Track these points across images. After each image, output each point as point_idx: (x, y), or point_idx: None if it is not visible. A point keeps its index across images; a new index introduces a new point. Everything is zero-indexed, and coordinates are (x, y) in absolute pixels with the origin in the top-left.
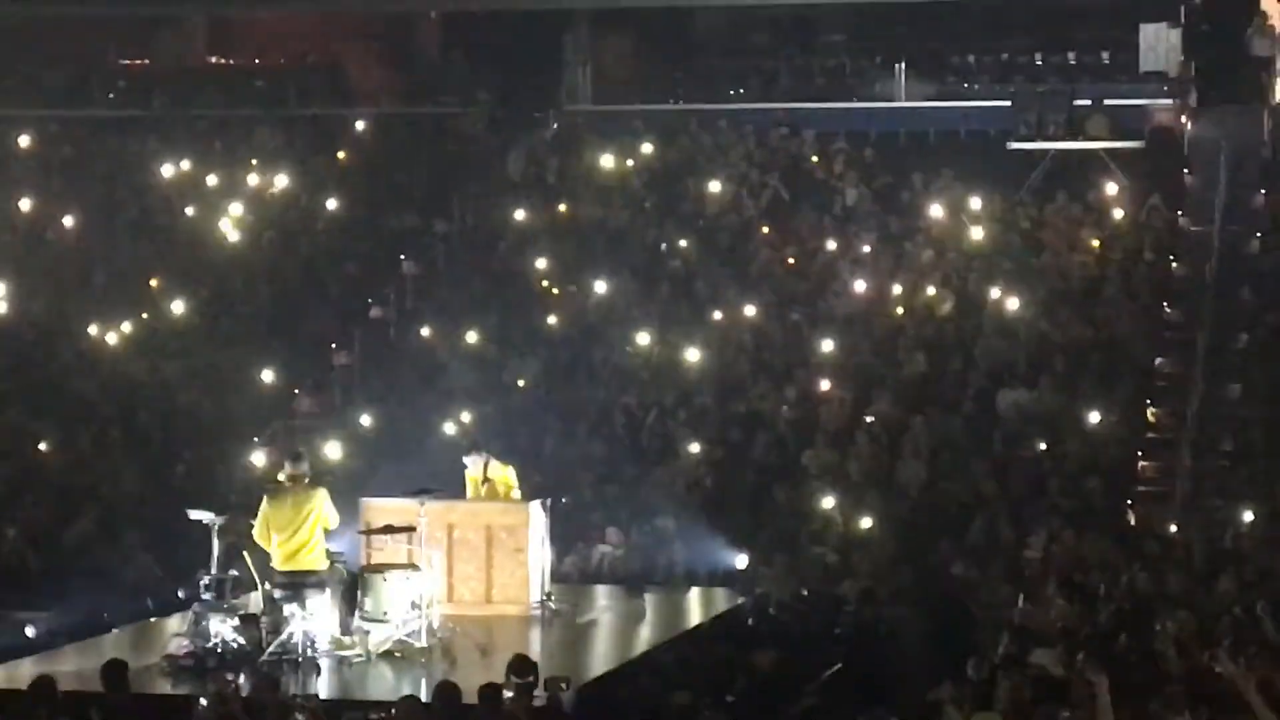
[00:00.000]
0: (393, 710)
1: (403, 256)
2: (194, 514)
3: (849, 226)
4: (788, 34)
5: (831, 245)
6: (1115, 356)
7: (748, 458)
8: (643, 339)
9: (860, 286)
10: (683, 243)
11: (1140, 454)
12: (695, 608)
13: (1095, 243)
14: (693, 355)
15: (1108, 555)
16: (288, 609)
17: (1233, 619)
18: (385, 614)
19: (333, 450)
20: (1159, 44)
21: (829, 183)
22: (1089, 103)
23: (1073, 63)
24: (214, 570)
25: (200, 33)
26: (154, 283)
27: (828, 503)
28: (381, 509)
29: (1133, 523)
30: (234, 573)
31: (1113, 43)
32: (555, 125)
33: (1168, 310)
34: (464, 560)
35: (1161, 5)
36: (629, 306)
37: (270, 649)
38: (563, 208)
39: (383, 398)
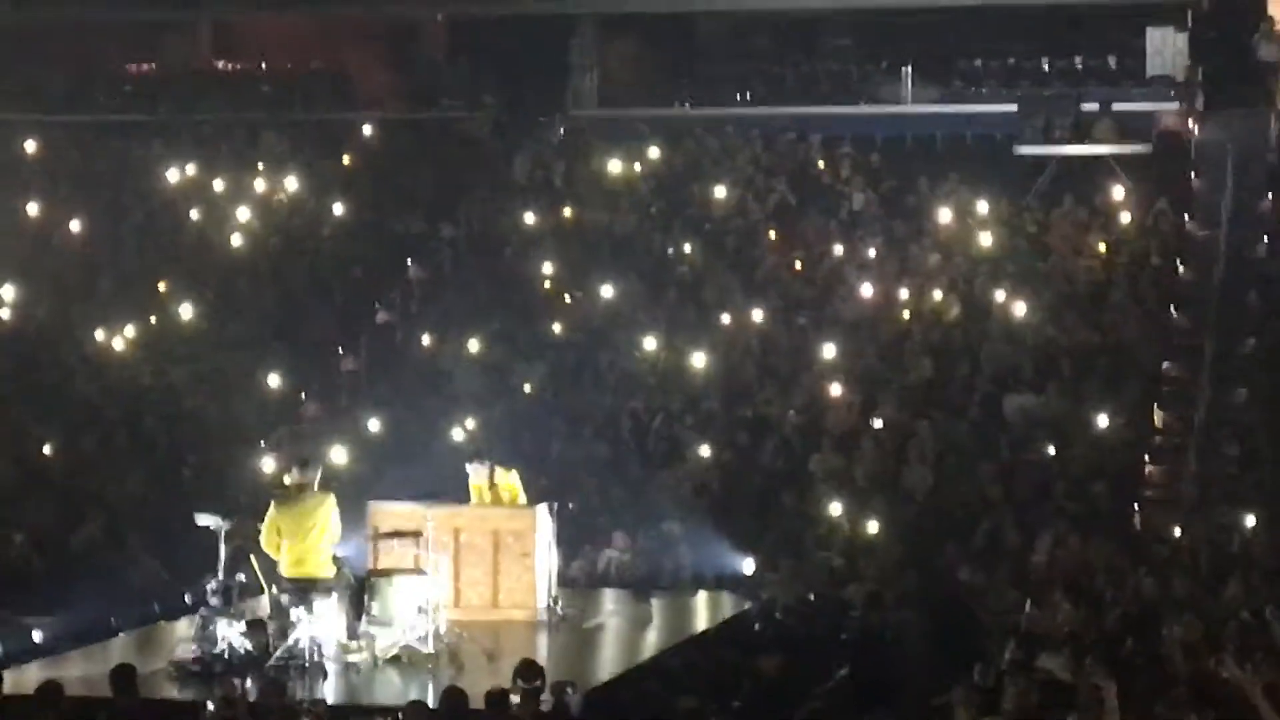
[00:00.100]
0: (399, 715)
1: (409, 261)
2: (200, 519)
3: (855, 231)
4: (793, 39)
5: (838, 250)
6: (1122, 361)
7: (754, 462)
8: (649, 343)
9: (867, 291)
10: (689, 247)
11: (1147, 459)
12: (702, 612)
13: (1102, 247)
14: (699, 360)
15: (1114, 560)
16: (294, 614)
17: (1239, 624)
18: (392, 619)
19: (339, 455)
20: (1166, 48)
21: (835, 187)
22: (1096, 107)
23: (1079, 67)
24: (221, 575)
25: (205, 37)
26: (160, 287)
27: (834, 507)
28: (388, 513)
29: (1139, 527)
30: (241, 578)
31: (1119, 47)
32: (561, 130)
33: (1174, 315)
34: (471, 565)
35: (1168, 10)
36: (635, 311)
37: (277, 654)
38: (569, 212)
39: (389, 402)
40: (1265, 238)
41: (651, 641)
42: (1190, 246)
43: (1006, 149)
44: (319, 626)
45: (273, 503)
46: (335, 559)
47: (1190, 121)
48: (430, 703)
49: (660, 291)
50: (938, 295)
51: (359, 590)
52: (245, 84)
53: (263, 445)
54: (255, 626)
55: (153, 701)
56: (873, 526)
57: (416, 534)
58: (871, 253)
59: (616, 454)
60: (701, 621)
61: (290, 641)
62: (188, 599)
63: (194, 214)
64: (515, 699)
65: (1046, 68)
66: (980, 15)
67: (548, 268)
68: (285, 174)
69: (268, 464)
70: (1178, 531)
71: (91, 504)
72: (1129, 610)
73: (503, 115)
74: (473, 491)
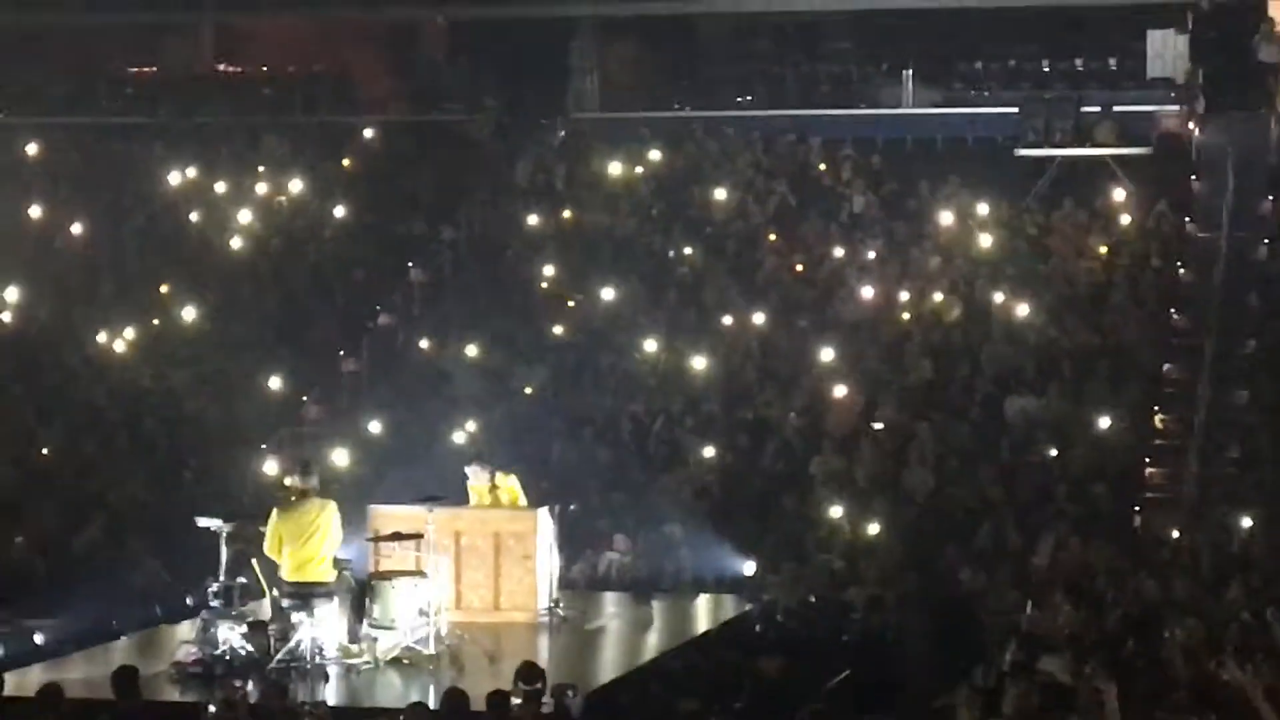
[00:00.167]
0: (401, 717)
1: (410, 264)
2: (202, 521)
3: (856, 233)
4: (794, 41)
5: (839, 252)
6: (1122, 363)
7: (755, 465)
8: (650, 346)
9: (867, 293)
10: (689, 250)
11: (1147, 460)
12: (703, 614)
13: (1102, 249)
14: (700, 362)
15: (1115, 562)
16: (296, 616)
17: (1240, 625)
18: (393, 621)
19: (340, 458)
20: (1166, 50)
21: (836, 189)
22: (1096, 109)
23: (1080, 69)
24: (222, 577)
25: (207, 40)
26: (161, 290)
27: (835, 510)
28: (389, 516)
29: (1140, 529)
30: (242, 580)
31: (1120, 49)
32: (562, 132)
33: (1175, 317)
34: (472, 567)
35: (1169, 11)
36: (636, 313)
37: (278, 656)
38: (570, 215)
39: (390, 405)
40: (1266, 239)
41: (652, 644)
42: (1191, 248)
43: (1007, 151)
44: (320, 629)
45: (275, 509)
46: (336, 562)
47: (1191, 123)
48: (432, 705)
49: (661, 294)
50: (938, 297)
51: (360, 593)
52: (246, 87)
53: (264, 448)
54: (256, 629)
55: (154, 704)
56: (874, 529)
57: (417, 537)
58: (872, 255)
59: (617, 456)
60: (702, 624)
61: (292, 644)
62: (189, 601)
63: (195, 216)
64: (516, 701)
65: (1047, 70)
66: (981, 18)
67: (549, 270)
68: (286, 176)
69: (269, 466)
70: (1179, 533)
71: (93, 506)
72: (1130, 612)
73: (503, 118)
74: (472, 494)
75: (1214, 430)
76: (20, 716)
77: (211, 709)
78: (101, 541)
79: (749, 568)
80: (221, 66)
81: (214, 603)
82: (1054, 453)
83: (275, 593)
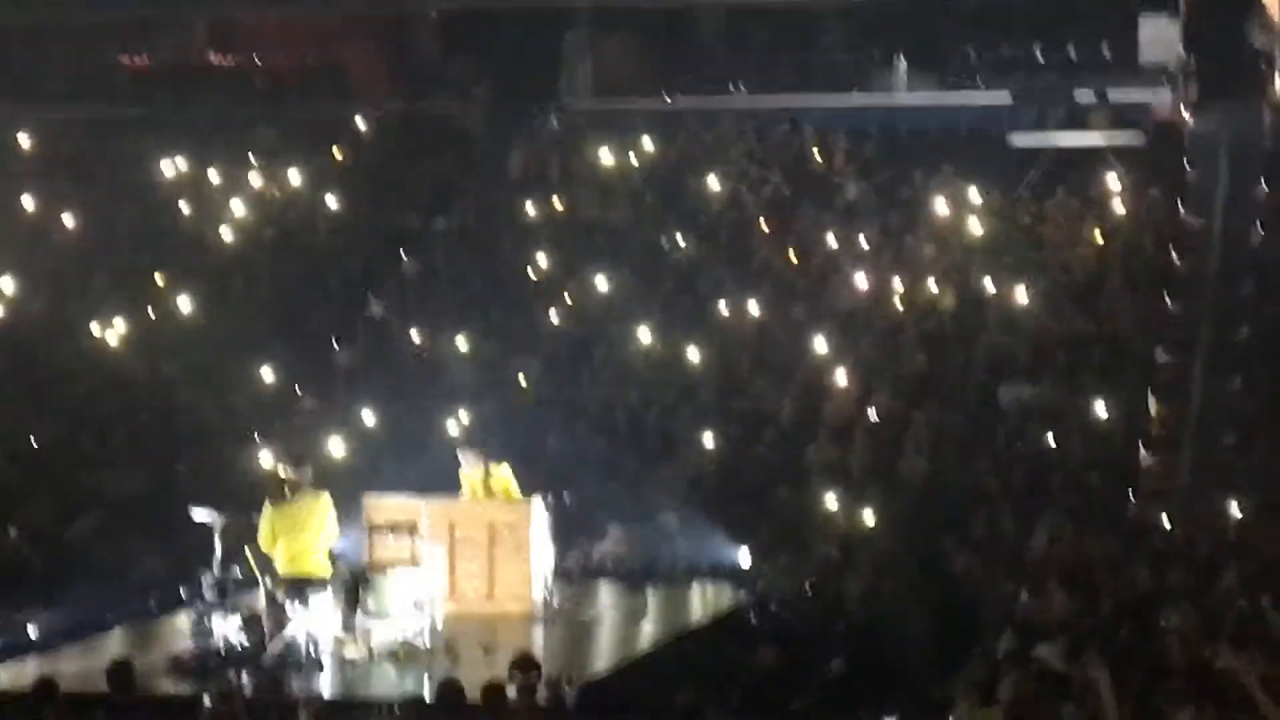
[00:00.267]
0: (396, 710)
1: (403, 255)
2: (196, 514)
3: (850, 222)
4: (787, 30)
5: (832, 241)
6: (1117, 351)
7: (750, 454)
8: (644, 336)
9: (861, 282)
10: (683, 239)
11: (1142, 448)
12: (698, 604)
13: (1096, 237)
14: (694, 352)
15: (1110, 550)
16: (290, 609)
17: (1236, 613)
18: (387, 613)
19: (334, 449)
20: (1159, 37)
21: (830, 178)
22: (1091, 97)
23: (1073, 57)
24: (216, 570)
25: (200, 32)
26: (155, 282)
27: (830, 499)
28: (383, 507)
29: (1135, 517)
30: (236, 573)
31: (1113, 37)
32: (555, 123)
33: (1169, 304)
34: (466, 558)
35: None
36: (630, 303)
37: (273, 649)
38: (563, 205)
39: (384, 396)
40: (1259, 226)
41: (648, 634)
42: (1185, 235)
43: (1000, 139)
44: (315, 621)
45: (268, 502)
46: (330, 554)
47: (1184, 111)
48: (426, 697)
49: (655, 284)
50: (932, 286)
51: (355, 584)
52: (239, 78)
53: (258, 440)
54: (251, 622)
55: (149, 697)
56: (869, 518)
57: (412, 527)
58: (866, 244)
59: (612, 447)
60: (698, 614)
61: (286, 636)
62: (183, 594)
63: (188, 208)
64: (511, 692)
65: (1040, 58)
66: (973, 6)
67: (542, 261)
68: (279, 168)
69: (263, 459)
70: (1173, 521)
71: (87, 499)
72: (1125, 600)
73: (496, 108)
74: (465, 485)
75: (1208, 418)
76: (15, 710)
77: (206, 702)
78: (95, 534)
79: (744, 557)
80: (214, 58)
81: (208, 595)
82: (1048, 441)
83: (269, 585)
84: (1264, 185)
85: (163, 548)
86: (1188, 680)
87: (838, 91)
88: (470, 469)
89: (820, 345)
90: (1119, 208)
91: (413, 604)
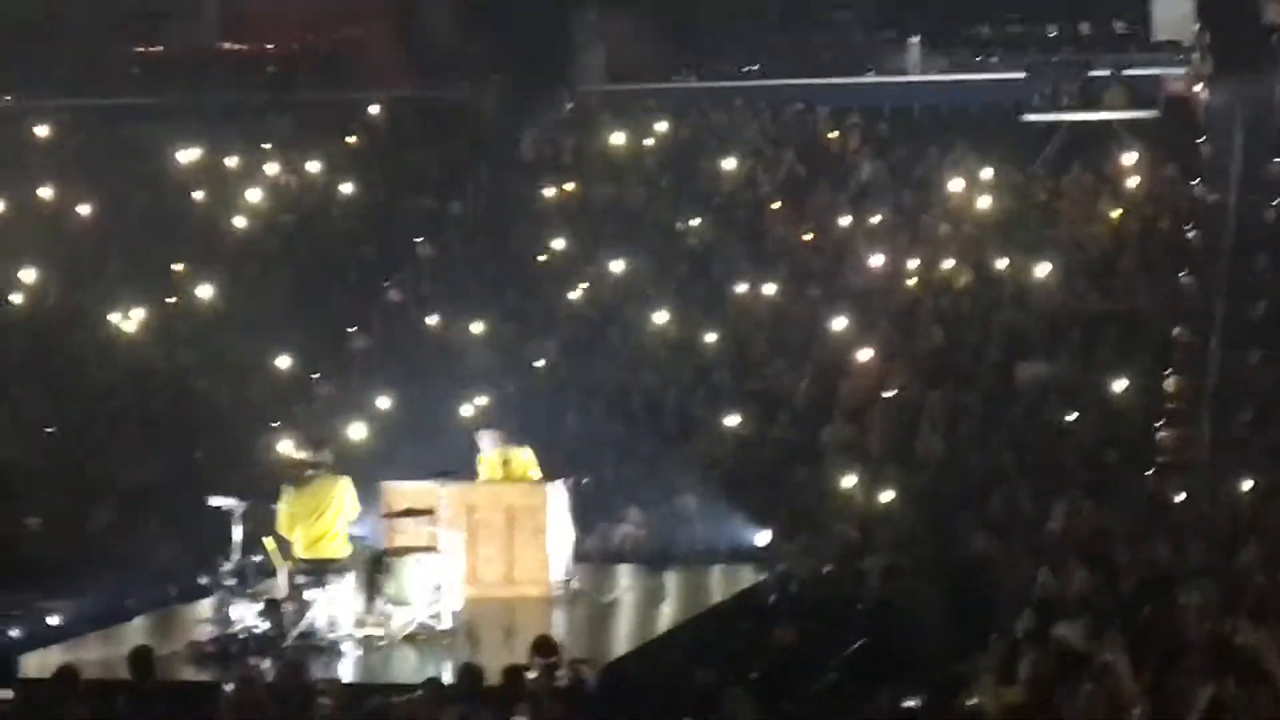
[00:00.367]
0: (417, 693)
1: (418, 239)
2: (214, 500)
3: (865, 201)
4: (799, 10)
5: (847, 221)
6: (1133, 327)
7: (767, 435)
8: (660, 318)
9: (877, 261)
10: (698, 221)
11: (1159, 424)
12: (717, 586)
13: (1111, 213)
14: (710, 333)
15: (1129, 526)
16: (310, 594)
17: (1255, 588)
18: (407, 597)
19: (352, 433)
20: (1173, 13)
21: (844, 158)
22: (1104, 73)
23: (1086, 33)
24: (236, 557)
25: (211, 19)
26: (170, 270)
27: (848, 479)
28: (401, 492)
29: (1153, 493)
30: (256, 558)
31: (1126, 13)
32: (568, 105)
33: (1185, 280)
34: (485, 542)
35: None
36: (646, 285)
37: (293, 634)
38: (578, 188)
39: (401, 381)
40: (1274, 200)
41: (667, 615)
42: (1200, 211)
43: (1014, 117)
44: (335, 606)
45: (286, 487)
46: (350, 539)
47: (1198, 86)
48: (447, 680)
49: (670, 265)
50: (948, 264)
51: (374, 569)
52: (251, 65)
53: (275, 426)
54: (271, 607)
55: (170, 683)
56: (887, 497)
57: (430, 512)
58: (881, 223)
59: (629, 429)
60: (717, 595)
61: (306, 621)
62: (203, 581)
63: (202, 196)
64: (532, 675)
65: (1054, 35)
66: None
67: (557, 244)
68: (293, 154)
69: (281, 444)
70: (1192, 497)
71: (105, 487)
72: (1144, 577)
73: (510, 92)
74: (482, 468)
75: (1225, 393)
76: (38, 698)
77: (228, 688)
78: (114, 523)
79: (763, 538)
80: (226, 45)
81: (228, 582)
82: (1065, 418)
83: (289, 570)
84: (1278, 159)
85: (182, 535)
86: (1207, 655)
87: (851, 71)
88: (489, 451)
89: (836, 325)
90: (1134, 184)
91: (432, 588)
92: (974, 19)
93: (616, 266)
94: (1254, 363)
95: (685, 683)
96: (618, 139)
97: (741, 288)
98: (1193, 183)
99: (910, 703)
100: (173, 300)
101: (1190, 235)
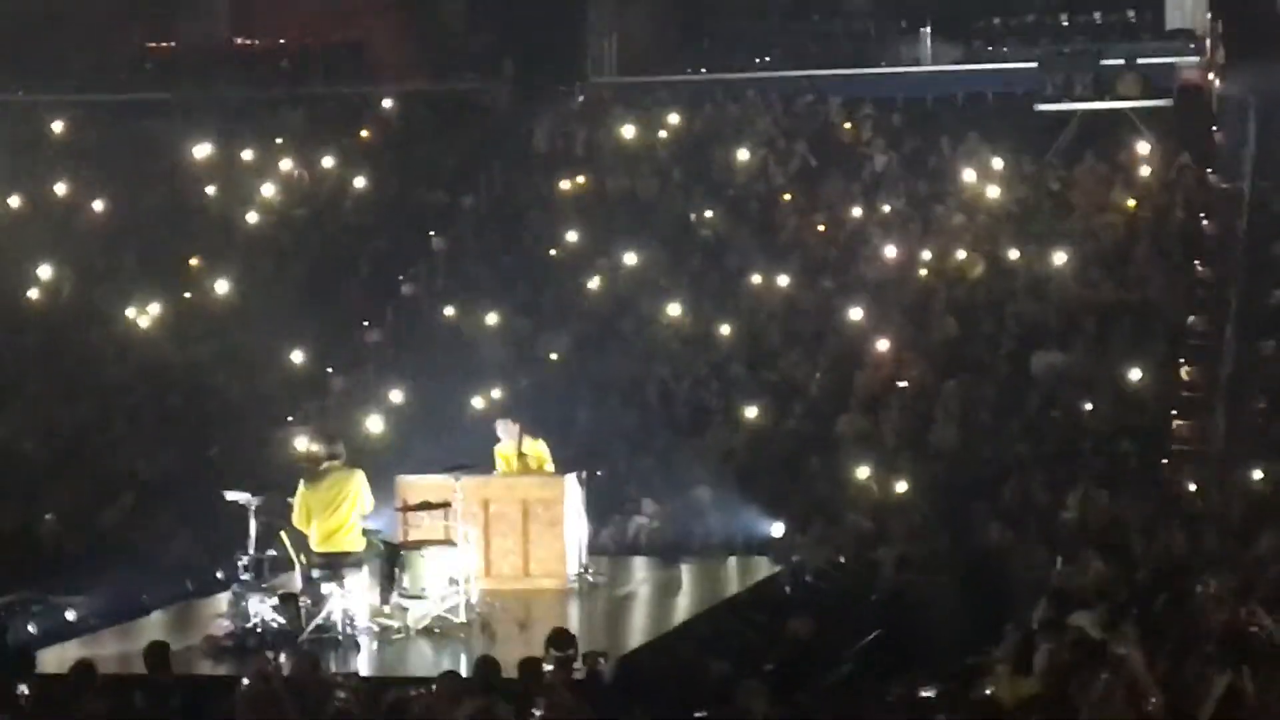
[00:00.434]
0: (433, 686)
1: (431, 233)
2: (230, 495)
3: (878, 192)
4: (812, 1)
5: (860, 211)
6: (1147, 316)
7: (781, 426)
8: (674, 309)
9: (890, 252)
10: (711, 212)
11: (1174, 413)
12: (732, 577)
13: (1127, 202)
14: (724, 325)
15: (1144, 516)
16: (326, 588)
17: (1271, 577)
18: (424, 590)
19: (368, 427)
20: (1185, 1)
21: (857, 149)
22: (1116, 62)
23: (1099, 22)
24: (251, 551)
25: (223, 14)
26: (184, 265)
27: (862, 469)
28: (417, 486)
29: (1168, 482)
30: (271, 552)
31: (1138, 1)
32: (581, 97)
33: (1199, 268)
34: (501, 535)
35: None
36: (659, 277)
37: (310, 628)
38: (591, 180)
39: (415, 374)
40: None
41: (682, 607)
42: (1214, 199)
43: (1027, 106)
44: (351, 599)
45: (302, 480)
46: (366, 532)
47: (1211, 74)
48: (463, 673)
49: (684, 257)
50: (961, 254)
51: (390, 562)
52: (263, 60)
53: (290, 420)
54: (287, 601)
55: (187, 678)
56: (901, 487)
57: (445, 506)
58: (894, 213)
59: (644, 421)
60: (732, 586)
61: (323, 615)
62: (219, 575)
63: (216, 191)
64: (548, 667)
65: (1066, 24)
66: None
67: (570, 236)
68: (306, 149)
69: (296, 438)
70: (1207, 485)
71: (121, 482)
72: (1160, 566)
73: (522, 85)
74: (499, 458)
75: (1240, 381)
76: (54, 693)
77: (245, 682)
78: (130, 518)
79: (777, 529)
80: (238, 40)
81: (244, 576)
82: (1080, 407)
83: (305, 564)
84: None
85: (198, 529)
86: (1223, 644)
87: (863, 62)
88: (506, 440)
89: (850, 316)
90: (1147, 173)
91: (448, 581)
92: (986, 9)
93: (629, 259)
94: (1269, 351)
95: (700, 674)
96: (630, 131)
97: (755, 279)
98: (1207, 171)
99: (925, 693)
100: (187, 295)
101: (1204, 224)
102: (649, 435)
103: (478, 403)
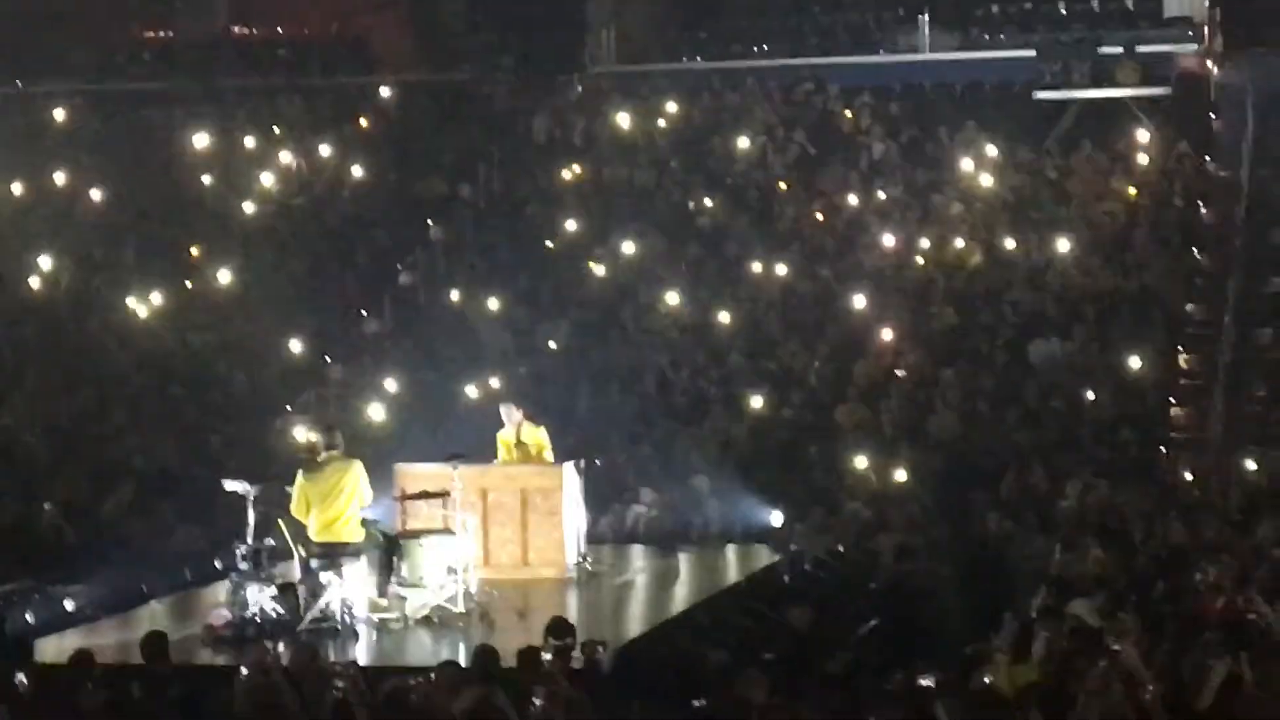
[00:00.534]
0: (432, 675)
1: (430, 223)
2: (229, 484)
3: (876, 180)
4: None
5: (859, 200)
6: (1146, 304)
7: (780, 415)
8: (672, 298)
9: (889, 240)
10: (710, 201)
11: (1173, 401)
12: (731, 566)
13: (1126, 191)
14: (723, 313)
15: (1143, 503)
16: (324, 577)
17: (1270, 564)
18: (422, 579)
19: (368, 415)
20: None
21: (855, 137)
22: (1115, 50)
23: (1097, 10)
24: (250, 540)
25: (222, 4)
26: (183, 255)
27: (861, 458)
28: (415, 475)
29: (1167, 470)
30: (270, 542)
31: None
32: (579, 87)
33: (1198, 256)
34: (499, 524)
35: None
36: (658, 266)
37: (309, 617)
38: (589, 170)
39: (414, 364)
40: None
41: (681, 596)
42: (1212, 187)
43: (1026, 95)
44: (349, 589)
45: (300, 471)
46: (364, 522)
47: (1210, 62)
48: (462, 662)
49: (682, 246)
50: (960, 242)
51: (389, 552)
52: (263, 50)
53: (289, 410)
54: (286, 591)
55: (185, 667)
56: (900, 476)
57: (444, 494)
58: (893, 201)
59: (643, 410)
60: (731, 575)
61: (321, 605)
62: (218, 565)
63: (215, 181)
64: (547, 656)
65: (1064, 12)
66: None
67: (569, 225)
68: (305, 139)
69: (295, 428)
70: (1206, 473)
71: (120, 472)
72: (1159, 554)
73: (521, 75)
74: (499, 446)
75: (1239, 369)
76: (53, 683)
77: (243, 671)
78: (129, 507)
79: (776, 518)
80: (238, 30)
81: (243, 565)
82: (1079, 396)
83: (303, 554)
84: None
85: (197, 519)
86: (1222, 631)
87: (862, 50)
88: (509, 424)
89: (849, 304)
90: (1146, 161)
91: (447, 571)
92: None
93: (628, 248)
94: (1267, 340)
95: (699, 664)
96: (629, 120)
97: (754, 268)
98: (1205, 160)
99: (925, 681)
100: (187, 285)
101: (1203, 212)
102: (648, 424)
103: (472, 391)
